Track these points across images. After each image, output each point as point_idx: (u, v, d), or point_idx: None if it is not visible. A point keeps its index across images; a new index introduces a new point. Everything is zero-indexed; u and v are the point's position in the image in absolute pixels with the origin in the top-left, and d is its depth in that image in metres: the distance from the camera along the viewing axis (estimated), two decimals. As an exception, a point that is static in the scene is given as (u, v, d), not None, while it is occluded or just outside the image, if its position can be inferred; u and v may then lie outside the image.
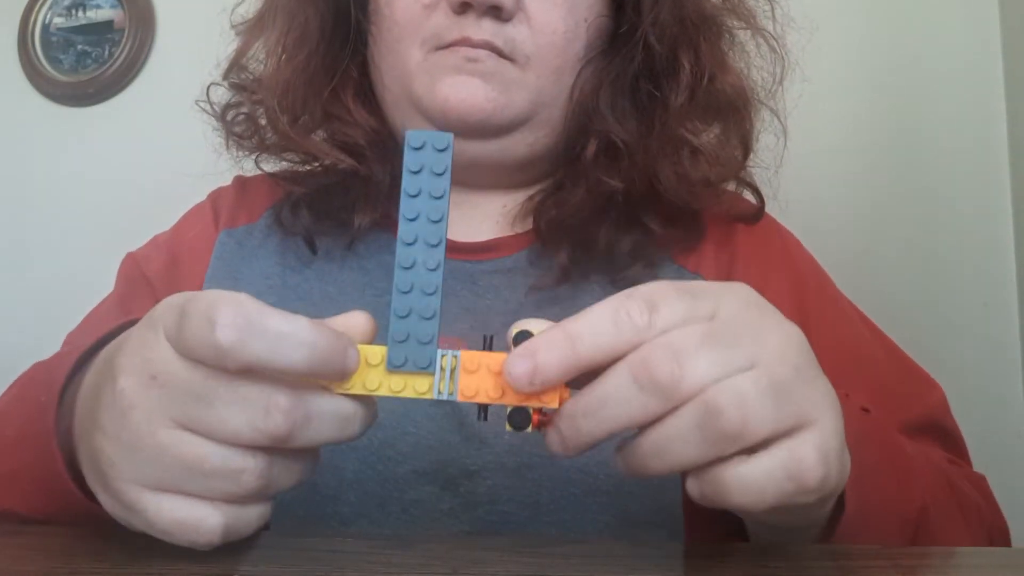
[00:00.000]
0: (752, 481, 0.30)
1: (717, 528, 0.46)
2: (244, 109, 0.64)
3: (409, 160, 0.32)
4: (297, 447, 0.32)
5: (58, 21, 1.53)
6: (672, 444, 0.30)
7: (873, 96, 1.16)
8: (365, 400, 0.33)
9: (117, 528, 0.34)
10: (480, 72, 0.54)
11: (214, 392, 0.30)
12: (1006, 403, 1.06)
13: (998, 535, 0.50)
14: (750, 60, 0.63)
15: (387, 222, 0.61)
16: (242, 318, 0.29)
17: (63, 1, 1.53)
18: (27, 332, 0.97)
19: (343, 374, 0.32)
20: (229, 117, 0.65)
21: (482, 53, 0.54)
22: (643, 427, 0.30)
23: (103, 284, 0.66)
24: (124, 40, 1.47)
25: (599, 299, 0.62)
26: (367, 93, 0.62)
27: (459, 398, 0.32)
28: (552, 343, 0.30)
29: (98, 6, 1.51)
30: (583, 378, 0.31)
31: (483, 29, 0.54)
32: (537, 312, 0.56)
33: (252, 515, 0.33)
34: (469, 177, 0.61)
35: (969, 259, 1.12)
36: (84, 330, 0.62)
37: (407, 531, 0.48)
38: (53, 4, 1.53)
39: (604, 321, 0.30)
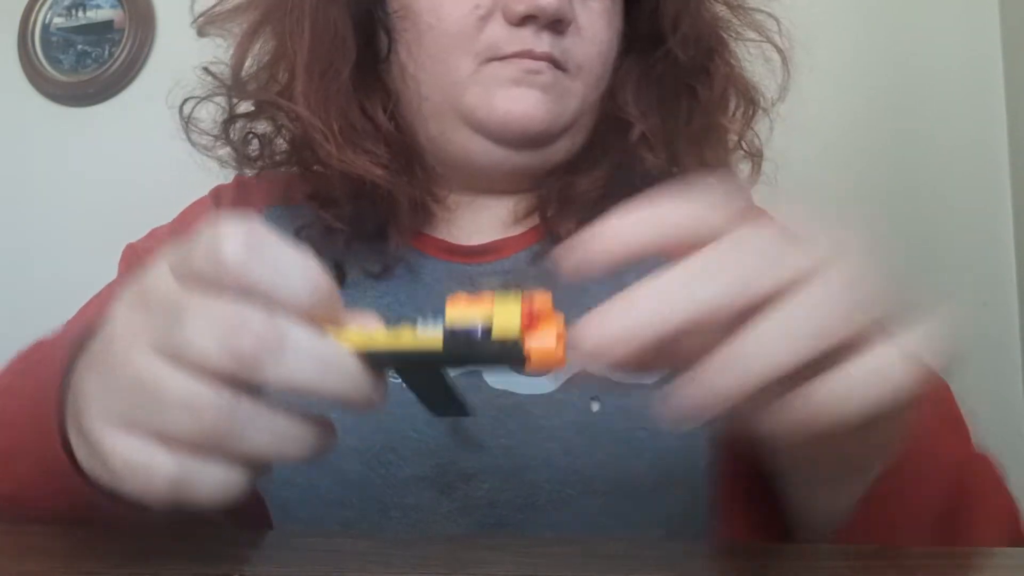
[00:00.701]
0: (850, 386, 0.27)
1: (745, 518, 0.47)
2: (256, 127, 0.62)
3: None
4: (272, 383, 0.28)
5: (58, 21, 1.53)
6: (771, 342, 0.26)
7: (873, 96, 1.16)
8: (363, 368, 0.29)
9: (119, 528, 0.34)
10: (540, 84, 0.54)
11: (190, 307, 0.28)
12: (1006, 403, 1.06)
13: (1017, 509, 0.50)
14: (740, 62, 0.65)
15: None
16: (255, 238, 0.28)
17: (63, 1, 1.53)
18: (27, 332, 0.97)
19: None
20: (234, 135, 0.62)
21: (543, 65, 0.54)
22: (701, 354, 0.27)
23: (103, 284, 0.66)
24: (124, 40, 1.47)
25: (602, 292, 0.61)
26: (393, 103, 0.59)
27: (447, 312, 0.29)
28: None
29: (98, 6, 1.51)
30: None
31: (544, 42, 0.54)
32: None
33: (210, 476, 0.29)
34: (494, 183, 0.61)
35: (969, 259, 1.12)
36: (81, 319, 0.62)
37: (407, 535, 0.48)
38: (53, 4, 1.53)
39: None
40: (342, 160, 0.56)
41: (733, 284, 0.26)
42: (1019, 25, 1.13)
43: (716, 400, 0.27)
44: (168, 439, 0.28)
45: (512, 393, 0.51)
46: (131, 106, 1.40)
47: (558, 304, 0.30)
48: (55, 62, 1.51)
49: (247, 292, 0.28)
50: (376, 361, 0.29)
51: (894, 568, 0.34)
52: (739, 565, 0.36)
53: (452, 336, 0.28)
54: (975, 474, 0.43)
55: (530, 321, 0.29)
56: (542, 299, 0.29)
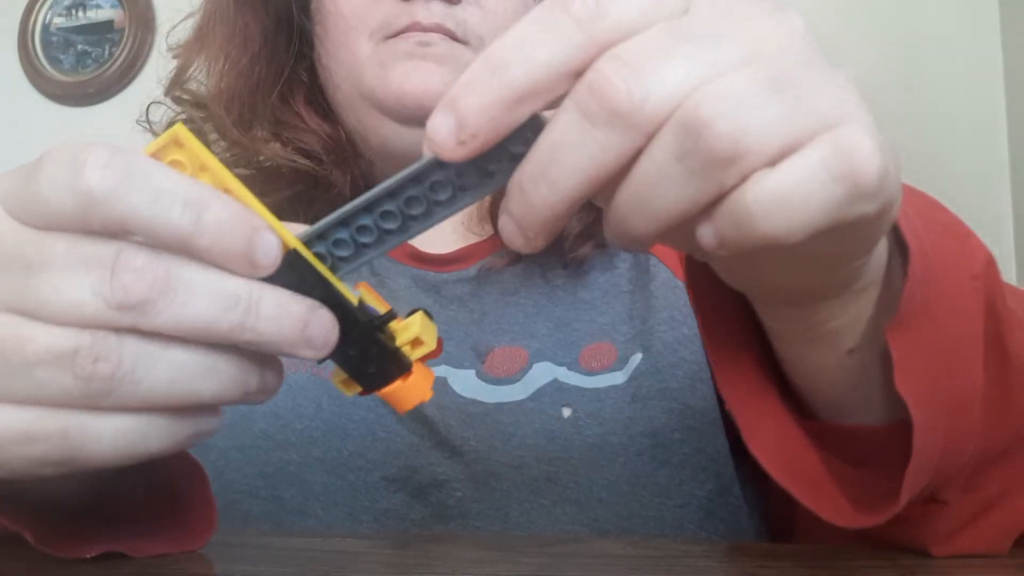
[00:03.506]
0: (786, 192, 0.21)
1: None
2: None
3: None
4: (163, 329, 0.24)
5: (58, 21, 1.53)
6: (653, 188, 0.22)
7: (872, 95, 1.16)
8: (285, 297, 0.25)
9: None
10: (434, 56, 0.53)
11: (50, 253, 0.24)
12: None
13: None
14: None
15: None
16: (119, 161, 0.24)
17: (63, 1, 1.53)
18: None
19: (249, 260, 0.25)
20: None
21: (434, 37, 0.53)
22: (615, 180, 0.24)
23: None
24: (124, 40, 1.47)
25: (549, 296, 0.55)
26: (318, 98, 0.61)
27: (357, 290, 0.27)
28: (472, 79, 0.23)
29: (98, 6, 1.51)
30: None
31: (433, 12, 0.53)
32: (501, 312, 0.55)
33: (105, 429, 0.25)
34: None
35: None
36: None
37: (407, 535, 0.48)
38: (53, 4, 1.53)
39: (534, 28, 0.23)
40: (246, 145, 0.58)
41: (624, 111, 0.22)
42: (1019, 25, 1.13)
43: (633, 236, 0.24)
44: (44, 401, 0.24)
45: (480, 401, 0.50)
46: (131, 106, 1.40)
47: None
48: (55, 62, 1.51)
49: (119, 229, 0.24)
50: (292, 269, 0.26)
51: (894, 568, 0.34)
52: (739, 565, 0.36)
53: (363, 305, 0.27)
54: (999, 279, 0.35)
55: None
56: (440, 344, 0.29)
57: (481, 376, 0.51)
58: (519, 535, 0.47)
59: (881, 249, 0.30)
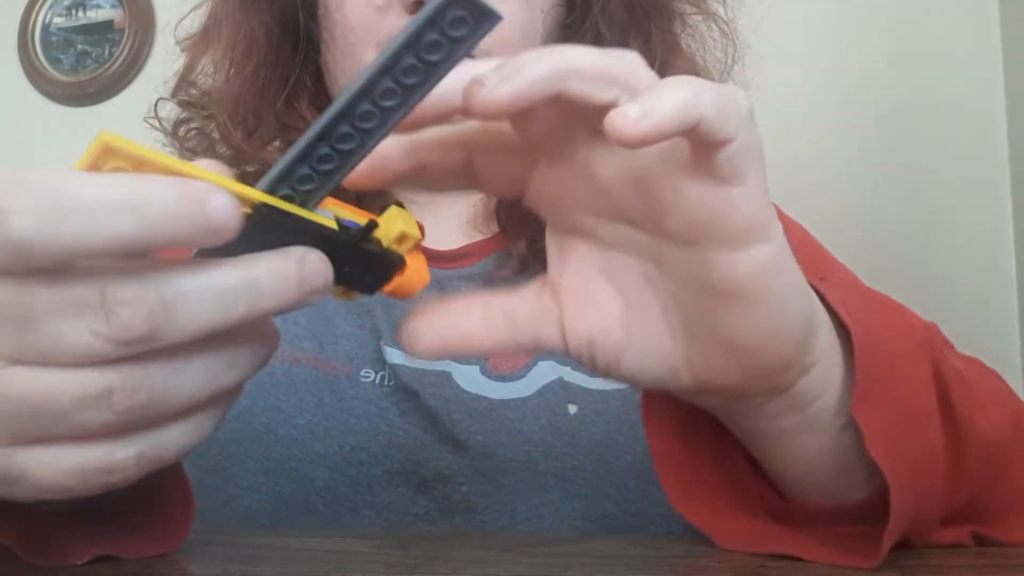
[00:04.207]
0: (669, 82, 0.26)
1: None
2: (195, 124, 0.64)
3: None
4: (177, 343, 0.24)
5: (58, 21, 1.53)
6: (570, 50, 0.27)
7: (872, 96, 1.16)
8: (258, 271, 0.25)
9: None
10: None
11: (32, 305, 0.23)
12: (1006, 403, 1.06)
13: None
14: (704, 41, 0.63)
15: None
16: (39, 195, 0.22)
17: (63, 1, 1.53)
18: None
19: (209, 229, 0.23)
20: (181, 132, 0.64)
21: None
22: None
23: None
24: (124, 40, 1.47)
25: None
26: (323, 101, 0.61)
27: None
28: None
29: (98, 6, 1.51)
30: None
31: None
32: None
33: (170, 437, 0.26)
34: None
35: (969, 259, 1.12)
36: None
37: (407, 535, 0.47)
38: (53, 4, 1.53)
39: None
40: (249, 152, 0.59)
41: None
42: (1019, 25, 1.13)
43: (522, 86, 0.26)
44: (90, 434, 0.25)
45: (485, 397, 0.50)
46: (131, 106, 1.40)
47: None
48: (55, 62, 1.51)
49: (70, 262, 0.23)
50: (266, 221, 0.26)
51: (894, 568, 0.34)
52: (739, 565, 0.36)
53: (342, 224, 0.28)
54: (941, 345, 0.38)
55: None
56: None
57: (485, 372, 0.52)
58: (520, 534, 0.47)
59: (828, 330, 0.32)
